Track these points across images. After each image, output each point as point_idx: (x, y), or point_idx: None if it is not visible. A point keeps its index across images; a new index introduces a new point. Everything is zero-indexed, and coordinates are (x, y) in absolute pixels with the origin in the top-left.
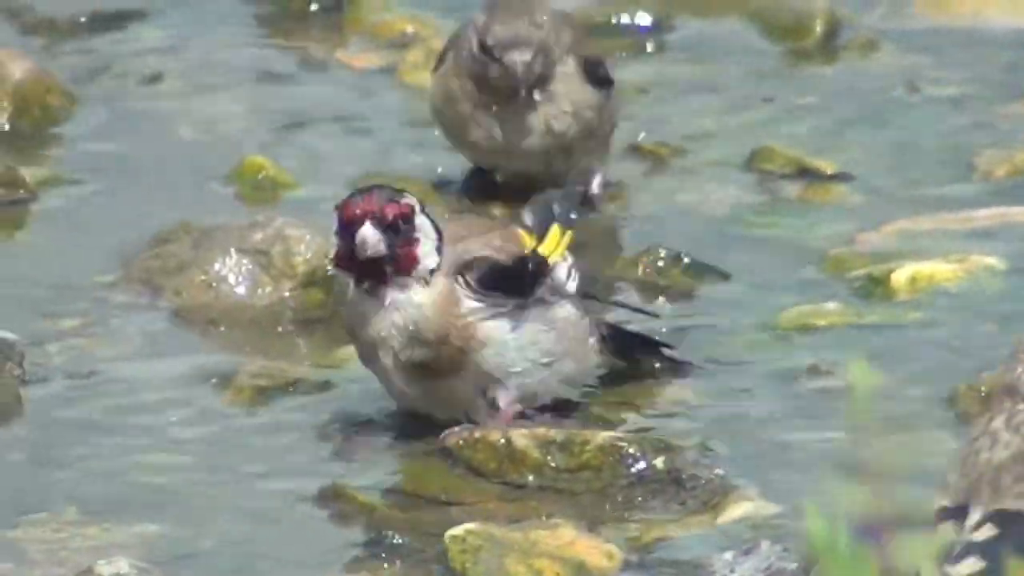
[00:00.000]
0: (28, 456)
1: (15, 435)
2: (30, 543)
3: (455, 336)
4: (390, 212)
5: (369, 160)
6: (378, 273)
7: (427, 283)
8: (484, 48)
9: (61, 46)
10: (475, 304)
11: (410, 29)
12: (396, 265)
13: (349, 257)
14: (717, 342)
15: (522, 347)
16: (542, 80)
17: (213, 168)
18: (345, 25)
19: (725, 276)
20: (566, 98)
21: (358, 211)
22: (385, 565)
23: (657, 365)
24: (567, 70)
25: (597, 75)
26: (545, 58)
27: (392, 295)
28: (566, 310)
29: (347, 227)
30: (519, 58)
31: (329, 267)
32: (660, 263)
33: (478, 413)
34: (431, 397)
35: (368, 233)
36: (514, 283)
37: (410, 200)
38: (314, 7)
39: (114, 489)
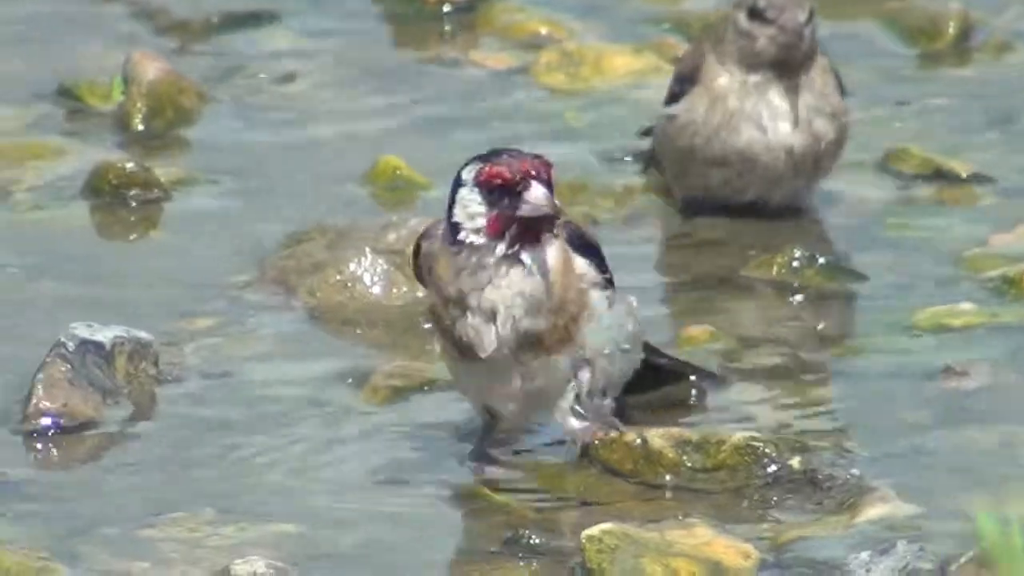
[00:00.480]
0: (164, 456)
1: (151, 435)
2: (166, 542)
3: (572, 302)
4: (545, 170)
5: None
6: (535, 233)
7: (554, 239)
8: (754, 13)
9: (194, 47)
10: (584, 266)
11: (544, 30)
12: (551, 222)
13: (507, 221)
14: (852, 343)
15: (612, 327)
16: (809, 55)
17: (347, 168)
18: (478, 25)
19: (859, 276)
20: (823, 95)
21: (524, 170)
22: (522, 564)
23: (692, 378)
24: (824, 65)
25: (841, 85)
26: (814, 28)
27: (528, 255)
28: (634, 302)
29: (509, 190)
30: (795, 16)
31: (470, 238)
32: (795, 263)
33: (565, 399)
34: (531, 377)
35: (543, 191)
36: (597, 260)
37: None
38: (447, 7)
39: (250, 489)
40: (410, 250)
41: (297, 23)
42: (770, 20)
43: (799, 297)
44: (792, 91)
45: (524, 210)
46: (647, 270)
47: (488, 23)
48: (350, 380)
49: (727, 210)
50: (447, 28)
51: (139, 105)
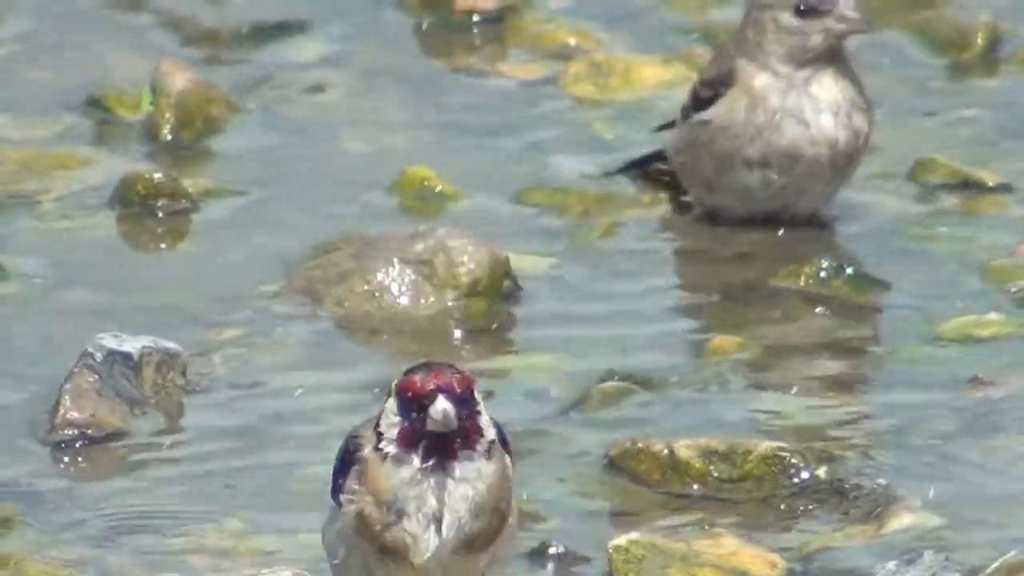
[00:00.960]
0: (191, 466)
1: (178, 445)
2: (194, 553)
3: (504, 505)
4: (459, 385)
5: (531, 171)
6: (447, 450)
7: (489, 454)
8: (805, 10)
9: (223, 57)
10: (509, 463)
11: (572, 41)
12: (464, 439)
13: (416, 435)
14: (879, 353)
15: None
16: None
17: (375, 178)
18: (507, 36)
19: (887, 287)
20: (858, 86)
21: (431, 385)
22: (548, 574)
23: None
24: (849, 58)
25: None
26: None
27: (461, 468)
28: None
29: (417, 403)
30: (849, 1)
31: (387, 448)
32: (823, 274)
33: None
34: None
35: (447, 406)
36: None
37: (467, 372)
38: (476, 18)
39: (278, 499)
40: (438, 260)
41: (326, 33)
42: (824, 12)
43: (826, 307)
44: (838, 78)
45: (428, 424)
46: (673, 281)
47: (517, 34)
48: (377, 390)
49: (751, 222)
50: (476, 39)
51: (168, 115)
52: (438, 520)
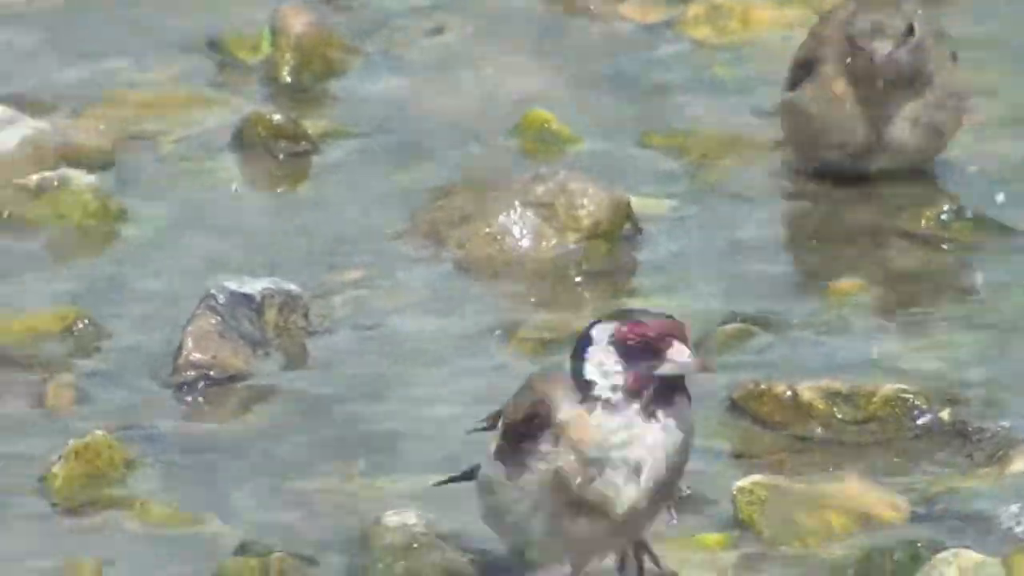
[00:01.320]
0: (314, 407)
1: (301, 387)
2: (319, 494)
3: (686, 462)
4: (683, 330)
5: (650, 113)
6: (671, 392)
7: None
8: (850, 40)
9: (342, 1)
10: None
11: None
12: (684, 388)
13: (648, 381)
14: (1000, 295)
15: None
16: (914, 72)
17: (496, 121)
18: None
19: (1008, 230)
20: (943, 88)
21: (667, 331)
22: (672, 518)
23: None
24: (945, 62)
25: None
26: (914, 50)
27: (675, 414)
28: None
29: (652, 349)
30: (883, 46)
31: (606, 395)
32: (944, 216)
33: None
34: (636, 530)
35: (687, 352)
36: None
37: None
38: None
39: (401, 441)
40: (559, 202)
41: None
42: (861, 48)
43: (948, 250)
44: (906, 99)
45: (666, 369)
46: (794, 224)
47: None
48: (499, 332)
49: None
50: None
51: (287, 57)
52: (639, 469)
